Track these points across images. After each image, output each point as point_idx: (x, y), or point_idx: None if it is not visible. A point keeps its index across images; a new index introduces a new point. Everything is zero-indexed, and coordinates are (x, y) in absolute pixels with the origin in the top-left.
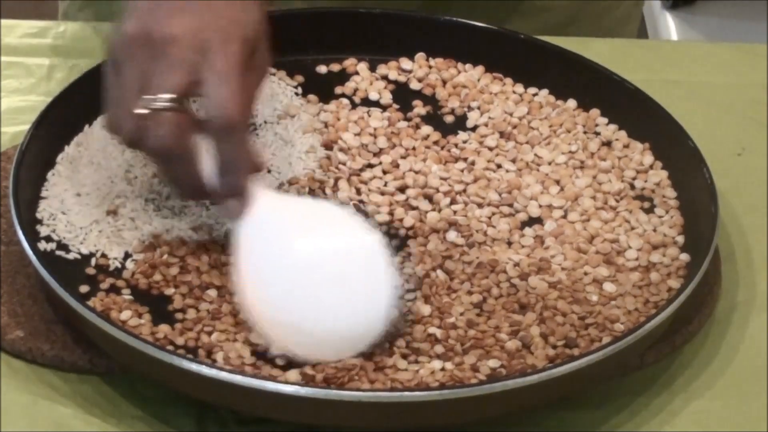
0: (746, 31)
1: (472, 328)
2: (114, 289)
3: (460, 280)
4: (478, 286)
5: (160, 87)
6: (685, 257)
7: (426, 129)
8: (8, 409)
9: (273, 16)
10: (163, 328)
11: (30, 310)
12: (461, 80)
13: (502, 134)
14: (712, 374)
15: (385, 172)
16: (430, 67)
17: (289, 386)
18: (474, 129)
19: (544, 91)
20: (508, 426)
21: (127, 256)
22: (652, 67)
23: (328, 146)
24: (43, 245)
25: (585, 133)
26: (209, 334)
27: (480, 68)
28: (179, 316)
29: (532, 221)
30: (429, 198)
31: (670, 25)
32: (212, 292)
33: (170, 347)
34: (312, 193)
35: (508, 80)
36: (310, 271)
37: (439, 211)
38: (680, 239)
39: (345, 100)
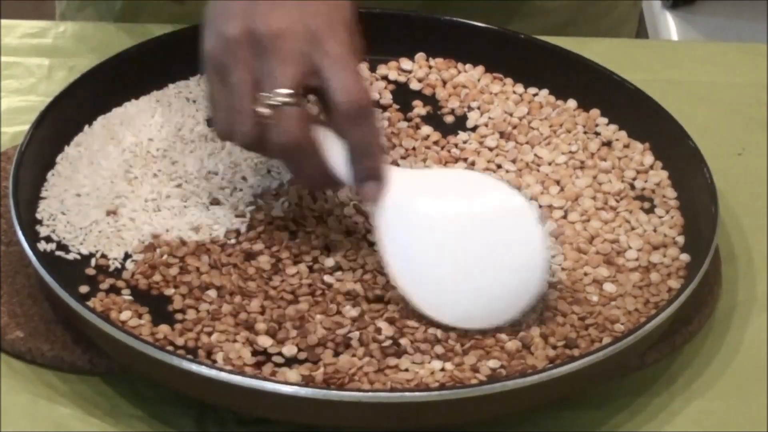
0: (746, 31)
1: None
2: (114, 290)
3: None
4: None
5: (277, 83)
6: (685, 257)
7: (426, 129)
8: (8, 409)
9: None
10: (163, 329)
11: (30, 310)
12: (461, 80)
13: (502, 134)
14: (712, 374)
15: None
16: (430, 67)
17: (289, 386)
18: (474, 129)
19: (544, 91)
20: (508, 426)
21: (127, 256)
22: (652, 67)
23: None
24: (42, 245)
25: (585, 133)
26: (209, 334)
27: (480, 68)
28: (179, 316)
29: None
30: None
31: (670, 25)
32: (212, 293)
33: (170, 348)
34: (311, 194)
35: (508, 80)
36: (462, 239)
37: None
38: (680, 239)
39: None
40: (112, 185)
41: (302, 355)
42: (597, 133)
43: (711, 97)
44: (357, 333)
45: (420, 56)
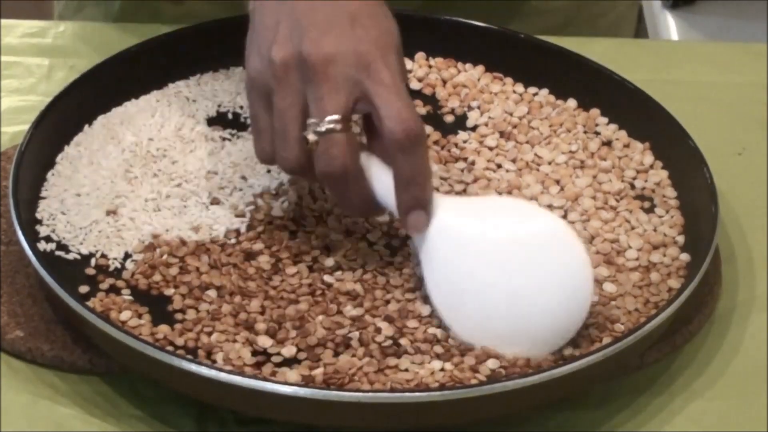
0: (746, 31)
1: None
2: (114, 290)
3: None
4: None
5: (326, 109)
6: (685, 257)
7: (426, 129)
8: (8, 409)
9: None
10: (163, 329)
11: (30, 310)
12: (461, 80)
13: (502, 134)
14: (712, 374)
15: None
16: (430, 66)
17: (288, 386)
18: (474, 129)
19: (544, 91)
20: (508, 426)
21: (126, 256)
22: (652, 67)
23: None
24: (42, 245)
25: (585, 132)
26: (209, 334)
27: (480, 68)
28: (179, 316)
29: None
30: None
31: (670, 25)
32: (212, 293)
33: (170, 348)
34: (311, 194)
35: (508, 80)
36: (507, 266)
37: None
38: (680, 239)
39: None
40: (112, 185)
41: (302, 355)
42: (597, 133)
43: (711, 97)
44: (357, 333)
45: (420, 56)
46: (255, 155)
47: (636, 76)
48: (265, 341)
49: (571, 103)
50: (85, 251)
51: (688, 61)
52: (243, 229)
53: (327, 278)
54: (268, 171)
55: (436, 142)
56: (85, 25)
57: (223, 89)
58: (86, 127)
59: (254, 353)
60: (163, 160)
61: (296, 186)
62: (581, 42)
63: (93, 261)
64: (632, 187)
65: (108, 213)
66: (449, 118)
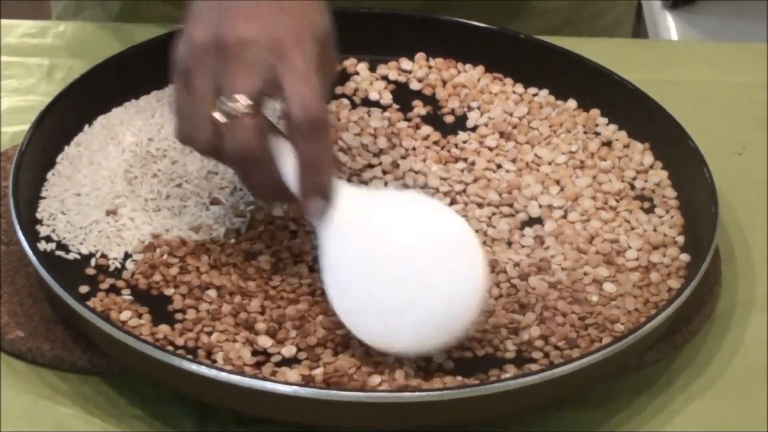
0: (746, 31)
1: (472, 327)
2: (114, 290)
3: None
4: None
5: (237, 91)
6: (685, 257)
7: (426, 129)
8: (8, 409)
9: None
10: (163, 329)
11: (30, 310)
12: (461, 80)
13: (502, 134)
14: (712, 374)
15: (385, 173)
16: (430, 67)
17: (288, 386)
18: (474, 129)
19: (544, 91)
20: (508, 426)
21: (127, 256)
22: (652, 67)
23: None
24: (43, 245)
25: (585, 133)
26: (209, 334)
27: (480, 68)
28: (179, 316)
29: (532, 221)
30: None
31: (670, 25)
32: (212, 293)
33: (170, 347)
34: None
35: (508, 80)
36: (401, 263)
37: None
38: (680, 239)
39: (345, 100)
40: (112, 185)
41: (302, 355)
42: (597, 133)
43: (711, 97)
44: None
45: (420, 56)
46: (175, 136)
47: (636, 76)
48: (265, 341)
49: (571, 103)
50: (85, 251)
51: (688, 61)
52: (243, 229)
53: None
54: None
55: (436, 143)
56: (85, 26)
57: None
58: (86, 127)
59: (254, 353)
60: (163, 160)
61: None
62: (581, 42)
63: (93, 261)
64: (632, 187)
65: (108, 213)
66: (449, 119)
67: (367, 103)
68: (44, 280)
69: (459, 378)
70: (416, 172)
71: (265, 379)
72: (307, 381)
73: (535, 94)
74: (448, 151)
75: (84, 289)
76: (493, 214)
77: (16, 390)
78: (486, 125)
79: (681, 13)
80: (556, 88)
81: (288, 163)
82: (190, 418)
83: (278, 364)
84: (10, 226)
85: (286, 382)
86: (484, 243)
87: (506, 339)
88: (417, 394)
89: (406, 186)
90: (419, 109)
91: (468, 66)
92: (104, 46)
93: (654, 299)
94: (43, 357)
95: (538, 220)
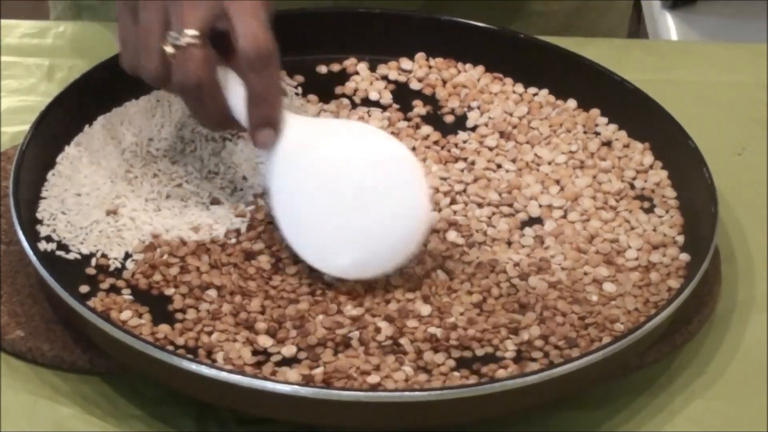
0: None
1: (472, 327)
2: (114, 289)
3: (460, 280)
4: (478, 286)
5: (184, 24)
6: (685, 257)
7: (426, 129)
8: (8, 409)
9: (273, 17)
10: (163, 328)
11: (30, 310)
12: (461, 80)
13: (502, 134)
14: (712, 374)
15: None
16: (430, 67)
17: (288, 386)
18: (474, 129)
19: (544, 91)
20: (508, 426)
21: (127, 256)
22: (652, 67)
23: None
24: (43, 245)
25: (585, 133)
26: (209, 334)
27: (480, 68)
28: (179, 316)
29: (532, 221)
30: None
31: (670, 25)
32: (212, 292)
33: (170, 347)
34: None
35: (508, 80)
36: (346, 189)
37: (439, 211)
38: (680, 239)
39: (345, 100)
40: (112, 185)
41: (302, 355)
42: (597, 133)
43: (711, 97)
44: (357, 333)
45: (420, 56)
46: (120, 64)
47: (636, 76)
48: (265, 341)
49: (571, 103)
50: (85, 251)
51: (688, 61)
52: (243, 229)
53: (327, 278)
54: None
55: (436, 142)
56: (85, 26)
57: None
58: (86, 127)
59: (254, 353)
60: (163, 160)
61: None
62: (581, 42)
63: (93, 261)
64: (632, 187)
65: (108, 213)
66: (449, 119)
67: (367, 103)
68: (44, 280)
69: (459, 378)
70: None
71: (265, 378)
72: (307, 381)
73: (535, 94)
74: (448, 150)
75: (84, 289)
76: (493, 213)
77: (16, 390)
78: (486, 125)
79: (681, 14)
80: (556, 88)
81: (235, 94)
82: (190, 418)
83: (278, 364)
84: (10, 226)
85: (286, 382)
86: (484, 243)
87: (506, 339)
88: (417, 393)
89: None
90: (419, 108)
91: (468, 66)
92: (104, 46)
93: (654, 299)
94: (43, 357)
95: (538, 220)
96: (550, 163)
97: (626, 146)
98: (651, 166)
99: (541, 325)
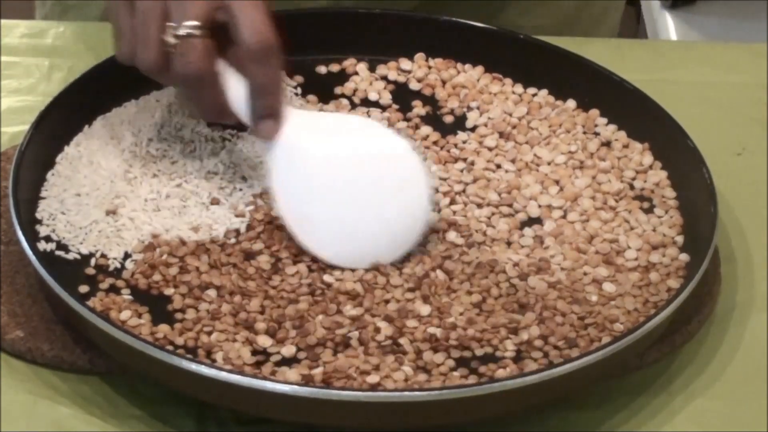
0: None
1: (471, 327)
2: (113, 289)
3: (459, 280)
4: (477, 287)
5: (185, 14)
6: (684, 257)
7: (425, 129)
8: (8, 409)
9: (272, 17)
10: (163, 328)
11: (30, 310)
12: (461, 80)
13: (501, 134)
14: (711, 374)
15: None
16: (430, 67)
17: (288, 386)
18: (473, 129)
19: (544, 91)
20: (508, 426)
21: (126, 256)
22: (652, 67)
23: None
24: (42, 245)
25: (584, 133)
26: (209, 334)
27: (479, 68)
28: (179, 316)
29: (532, 221)
30: None
31: (669, 25)
32: (212, 292)
33: (170, 347)
34: None
35: (508, 80)
36: (349, 180)
37: (439, 211)
38: (680, 239)
39: (344, 101)
40: (112, 185)
41: (302, 355)
42: (596, 133)
43: (711, 97)
44: (356, 332)
45: (419, 56)
46: (115, 55)
47: (635, 76)
48: (264, 341)
49: (571, 103)
50: (85, 251)
51: (688, 61)
52: (243, 229)
53: (326, 278)
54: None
55: (435, 143)
56: (85, 26)
57: None
58: (86, 127)
59: (254, 353)
60: (163, 161)
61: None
62: (581, 42)
63: (93, 261)
64: (631, 187)
65: (108, 213)
66: (449, 119)
67: (366, 103)
68: (44, 280)
69: (458, 378)
70: None
71: (264, 378)
72: (307, 380)
73: (534, 94)
74: (448, 151)
75: (84, 288)
76: (493, 214)
77: (16, 390)
78: (485, 125)
79: (680, 14)
80: (555, 89)
81: (235, 87)
82: (190, 418)
83: (278, 364)
84: (9, 226)
85: (285, 382)
86: (484, 243)
87: (506, 339)
88: (416, 393)
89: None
90: (418, 109)
91: (467, 66)
92: (104, 46)
93: (653, 299)
94: (43, 357)
95: (537, 220)
96: (549, 164)
97: (626, 146)
98: (650, 167)
99: (540, 325)
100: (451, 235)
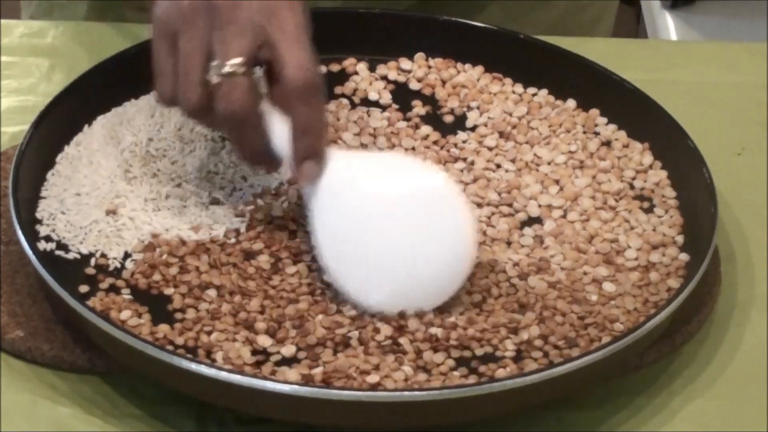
0: (746, 31)
1: (471, 327)
2: (113, 289)
3: None
4: (477, 286)
5: (229, 53)
6: (684, 257)
7: (425, 129)
8: (8, 409)
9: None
10: (163, 328)
11: (30, 310)
12: (461, 80)
13: (501, 134)
14: (711, 374)
15: None
16: (430, 67)
17: (288, 385)
18: (473, 129)
19: (544, 91)
20: (508, 426)
21: (126, 256)
22: (652, 67)
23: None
24: (42, 245)
25: (584, 133)
26: (209, 333)
27: (479, 68)
28: (179, 315)
29: (532, 221)
30: None
31: (669, 25)
32: (212, 292)
33: (170, 347)
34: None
35: (508, 80)
36: (392, 224)
37: None
38: (680, 239)
39: (344, 100)
40: (112, 185)
41: (302, 355)
42: (596, 133)
43: (711, 97)
44: (356, 332)
45: (419, 56)
46: (155, 97)
47: (636, 76)
48: (264, 340)
49: (571, 103)
50: (84, 251)
51: (688, 61)
52: (243, 229)
53: (326, 278)
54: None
55: (435, 142)
56: (85, 26)
57: None
58: (86, 127)
59: (254, 352)
60: (162, 160)
61: (296, 186)
62: (581, 42)
63: (93, 260)
64: (631, 187)
65: (108, 213)
66: (449, 119)
67: (366, 103)
68: (44, 279)
69: (459, 377)
70: None
71: (264, 378)
72: (307, 380)
73: (534, 94)
74: (448, 150)
75: (84, 288)
76: (493, 213)
77: (16, 390)
78: (485, 125)
79: (680, 13)
80: (555, 88)
81: (278, 128)
82: (190, 418)
83: (278, 364)
84: (9, 225)
85: (285, 382)
86: (484, 242)
87: (506, 338)
88: (416, 393)
89: None
90: (418, 109)
91: (467, 66)
92: (104, 46)
93: (653, 299)
94: (43, 357)
95: (537, 220)
96: (549, 163)
97: (626, 146)
98: (650, 166)
99: (540, 325)
100: None
